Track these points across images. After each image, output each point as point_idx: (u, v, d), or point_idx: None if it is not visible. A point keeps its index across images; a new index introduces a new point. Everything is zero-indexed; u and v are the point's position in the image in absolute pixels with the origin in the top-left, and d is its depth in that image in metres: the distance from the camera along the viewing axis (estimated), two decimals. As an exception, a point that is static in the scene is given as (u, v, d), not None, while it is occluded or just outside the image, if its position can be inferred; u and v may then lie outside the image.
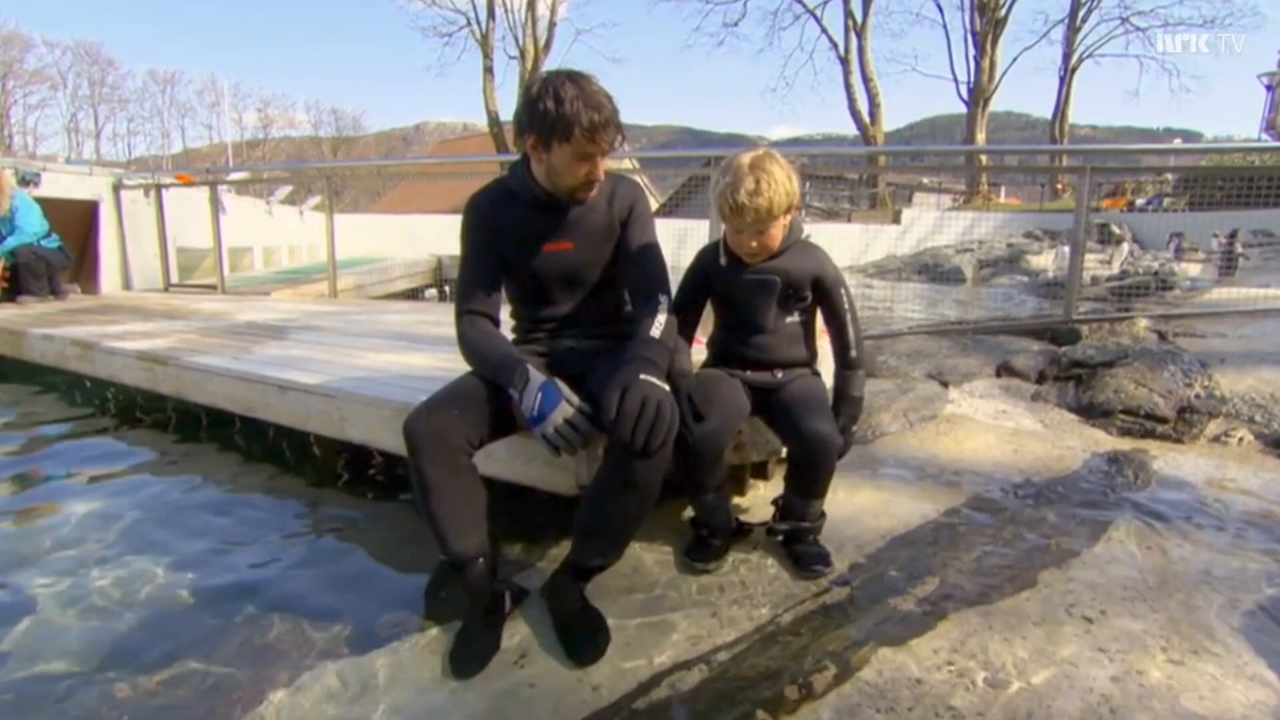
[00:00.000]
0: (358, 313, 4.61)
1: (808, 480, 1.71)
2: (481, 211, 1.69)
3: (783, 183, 1.62)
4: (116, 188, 6.50)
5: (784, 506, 1.78)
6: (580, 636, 1.49)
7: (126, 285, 6.53)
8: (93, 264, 6.41)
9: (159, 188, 6.59)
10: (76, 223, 6.24)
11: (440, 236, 11.55)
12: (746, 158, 1.65)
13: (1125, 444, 2.52)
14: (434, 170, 13.19)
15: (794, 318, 1.80)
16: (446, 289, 9.27)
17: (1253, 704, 1.25)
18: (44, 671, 1.52)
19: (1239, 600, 1.56)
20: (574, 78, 1.52)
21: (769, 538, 1.79)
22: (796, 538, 1.74)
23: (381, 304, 5.88)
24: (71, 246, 5.91)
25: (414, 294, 8.79)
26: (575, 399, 1.49)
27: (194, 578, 1.89)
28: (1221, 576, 1.66)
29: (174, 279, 6.68)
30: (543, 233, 1.67)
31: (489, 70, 26.09)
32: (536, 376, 1.50)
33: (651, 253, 1.74)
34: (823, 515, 1.75)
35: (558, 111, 1.48)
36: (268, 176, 12.13)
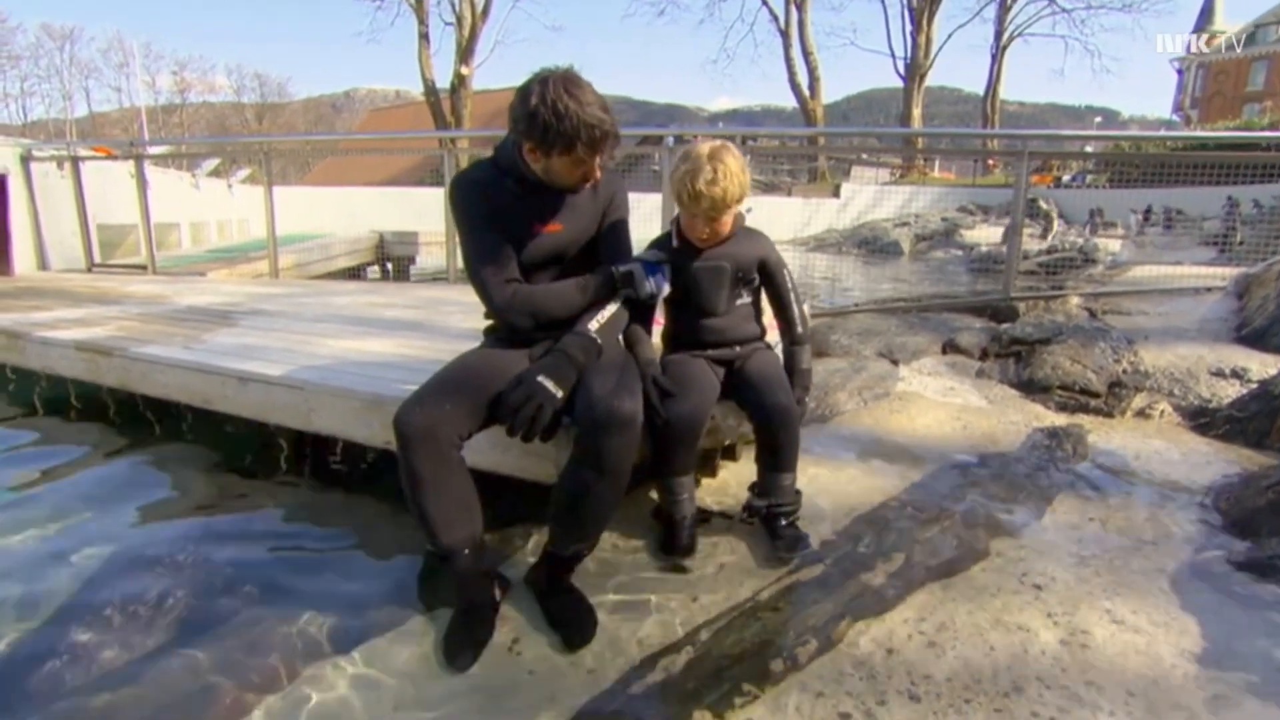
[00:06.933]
0: (305, 295, 4.46)
1: (774, 451, 1.80)
2: (478, 189, 1.67)
3: (737, 174, 1.72)
4: (26, 159, 6.03)
5: (759, 483, 1.85)
6: (569, 623, 1.54)
7: (43, 265, 6.11)
8: (2, 242, 5.96)
9: (75, 160, 6.16)
10: None
11: (381, 211, 11.21)
12: (706, 148, 1.74)
13: (1062, 418, 2.70)
14: (373, 145, 12.68)
15: (744, 299, 1.93)
16: (389, 266, 9.02)
17: (1181, 652, 1.41)
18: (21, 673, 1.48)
19: (1166, 563, 1.73)
20: (570, 87, 1.49)
21: (748, 519, 1.86)
22: (774, 520, 1.81)
23: (328, 284, 5.68)
24: (-25, 223, 5.48)
25: (356, 272, 8.50)
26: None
27: (171, 579, 1.84)
28: (1151, 541, 1.83)
29: (97, 258, 6.29)
30: (536, 213, 1.68)
31: (424, 37, 25.14)
32: (625, 267, 1.72)
33: (624, 244, 1.81)
34: (798, 494, 1.83)
35: (559, 126, 1.48)
36: (200, 150, 11.43)
